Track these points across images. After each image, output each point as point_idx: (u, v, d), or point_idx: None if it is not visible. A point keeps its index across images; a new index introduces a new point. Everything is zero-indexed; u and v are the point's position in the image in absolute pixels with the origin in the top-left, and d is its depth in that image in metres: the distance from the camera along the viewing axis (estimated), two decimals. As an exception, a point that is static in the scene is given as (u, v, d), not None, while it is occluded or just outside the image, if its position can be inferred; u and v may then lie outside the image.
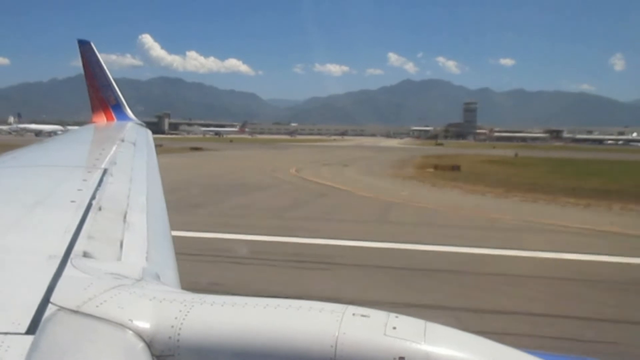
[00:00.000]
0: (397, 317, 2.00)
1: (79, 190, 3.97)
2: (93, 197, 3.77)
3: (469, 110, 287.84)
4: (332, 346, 1.87)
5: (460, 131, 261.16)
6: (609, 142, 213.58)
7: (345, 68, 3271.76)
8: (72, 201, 3.59)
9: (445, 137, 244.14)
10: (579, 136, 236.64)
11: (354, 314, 1.99)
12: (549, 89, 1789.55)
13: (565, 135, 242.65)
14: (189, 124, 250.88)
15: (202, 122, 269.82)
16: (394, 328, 1.92)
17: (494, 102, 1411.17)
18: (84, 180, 4.41)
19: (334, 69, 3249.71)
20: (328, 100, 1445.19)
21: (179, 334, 1.94)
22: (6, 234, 2.90)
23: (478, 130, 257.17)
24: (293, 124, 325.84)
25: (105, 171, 4.80)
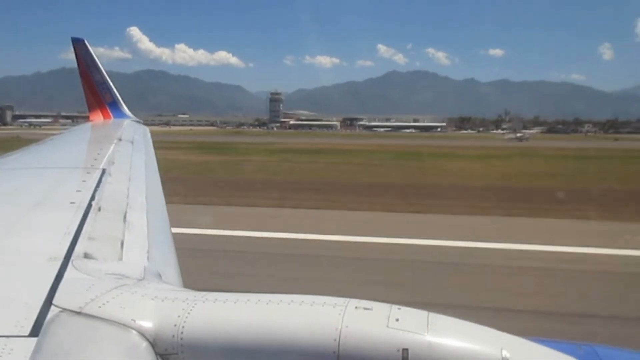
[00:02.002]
0: (399, 308, 2.01)
1: (78, 191, 3.95)
2: (92, 198, 3.74)
3: (274, 101, 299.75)
4: (335, 340, 1.87)
5: (266, 120, 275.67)
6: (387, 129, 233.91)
7: (335, 60, 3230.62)
8: (72, 202, 3.57)
9: (255, 126, 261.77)
10: (370, 123, 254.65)
11: (356, 307, 1.99)
12: (534, 79, 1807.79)
13: (362, 123, 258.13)
14: (37, 116, 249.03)
15: (44, 113, 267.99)
16: (397, 320, 1.93)
17: (479, 92, 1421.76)
18: (83, 181, 4.40)
19: (324, 60, 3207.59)
20: (314, 92, 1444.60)
21: (182, 332, 1.94)
22: (7, 236, 2.88)
23: (282, 120, 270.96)
24: (183, 116, 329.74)
25: (104, 171, 4.81)
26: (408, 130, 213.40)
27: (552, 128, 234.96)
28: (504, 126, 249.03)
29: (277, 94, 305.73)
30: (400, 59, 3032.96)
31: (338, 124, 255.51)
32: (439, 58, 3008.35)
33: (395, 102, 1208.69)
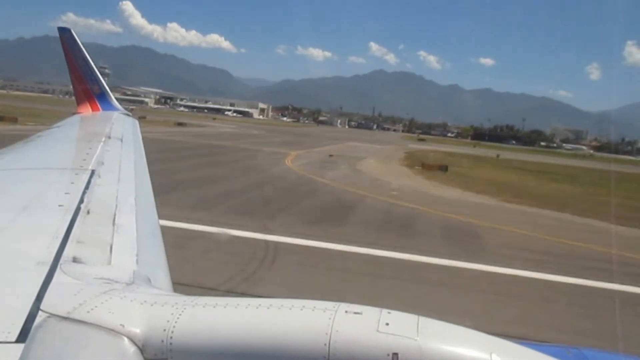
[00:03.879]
0: (389, 312, 2.02)
1: (67, 193, 3.92)
2: (81, 201, 3.73)
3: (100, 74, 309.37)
4: (325, 344, 1.88)
5: None
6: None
7: (327, 54, 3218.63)
8: (60, 205, 3.54)
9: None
10: (184, 103, 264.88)
11: (346, 312, 2.00)
12: (516, 92, 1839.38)
13: (180, 102, 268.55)
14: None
15: None
16: (387, 324, 1.94)
17: (460, 99, 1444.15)
18: (72, 182, 4.37)
19: (317, 53, 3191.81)
20: (300, 83, 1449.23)
21: (171, 338, 1.94)
22: None
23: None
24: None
25: (92, 172, 4.78)
26: (181, 108, 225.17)
27: (359, 124, 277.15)
28: (320, 118, 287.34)
29: (103, 67, 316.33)
30: (391, 58, 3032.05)
31: (150, 100, 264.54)
32: (430, 61, 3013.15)
33: (376, 101, 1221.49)
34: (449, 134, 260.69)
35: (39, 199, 3.88)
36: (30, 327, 1.86)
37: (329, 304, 2.06)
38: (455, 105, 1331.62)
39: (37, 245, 2.73)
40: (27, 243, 2.84)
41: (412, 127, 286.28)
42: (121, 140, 7.59)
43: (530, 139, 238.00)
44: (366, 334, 1.90)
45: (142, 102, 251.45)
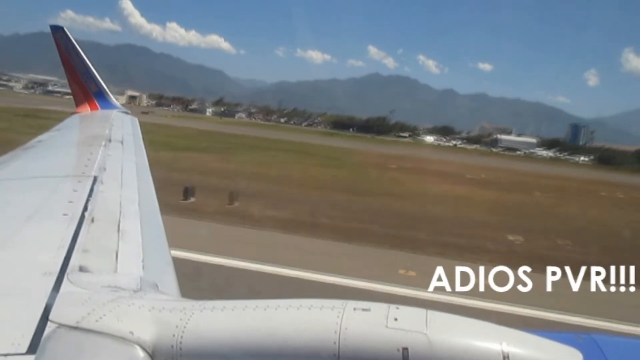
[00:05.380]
0: (397, 308, 2.03)
1: (70, 202, 3.92)
2: (85, 209, 3.73)
3: None
4: (335, 342, 1.90)
5: None
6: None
7: (327, 56, 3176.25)
8: (65, 214, 3.54)
9: None
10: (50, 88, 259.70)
11: (354, 309, 2.01)
12: (511, 96, 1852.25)
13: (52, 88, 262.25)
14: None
15: None
16: (396, 319, 1.96)
17: (455, 103, 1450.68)
18: (75, 190, 4.36)
19: (316, 55, 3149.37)
20: (295, 85, 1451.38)
21: (181, 342, 1.95)
22: (0, 251, 2.83)
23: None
24: None
25: (95, 179, 4.77)
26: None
27: (225, 112, 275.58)
28: (191, 106, 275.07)
29: None
30: (390, 62, 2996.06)
31: (17, 85, 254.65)
32: (429, 66, 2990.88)
33: (367, 104, 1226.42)
34: (304, 123, 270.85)
35: (43, 208, 3.88)
36: (40, 338, 1.88)
37: (337, 302, 2.06)
38: (448, 109, 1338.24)
39: (43, 256, 2.71)
40: (33, 254, 2.82)
41: (270, 115, 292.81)
42: (122, 142, 7.52)
43: (384, 129, 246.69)
44: (375, 330, 1.92)
45: (6, 86, 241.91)
